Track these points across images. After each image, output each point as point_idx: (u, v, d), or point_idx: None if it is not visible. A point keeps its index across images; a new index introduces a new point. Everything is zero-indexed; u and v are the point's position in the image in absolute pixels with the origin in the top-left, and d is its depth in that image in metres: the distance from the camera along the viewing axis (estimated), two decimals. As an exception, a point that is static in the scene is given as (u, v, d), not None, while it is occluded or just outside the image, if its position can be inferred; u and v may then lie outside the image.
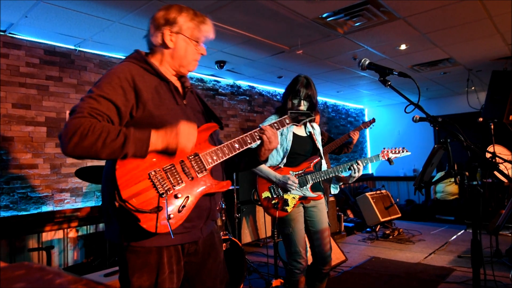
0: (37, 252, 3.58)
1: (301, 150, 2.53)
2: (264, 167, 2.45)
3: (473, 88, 6.60)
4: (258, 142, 1.59)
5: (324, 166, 2.69)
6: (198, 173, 1.38)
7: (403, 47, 4.45)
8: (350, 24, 3.66)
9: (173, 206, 1.29)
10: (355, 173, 2.52)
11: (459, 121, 7.44)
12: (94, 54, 4.19)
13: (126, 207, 1.20)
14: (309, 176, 2.48)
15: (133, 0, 2.96)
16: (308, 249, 2.71)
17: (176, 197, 1.30)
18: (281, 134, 2.47)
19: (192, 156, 1.38)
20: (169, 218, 1.26)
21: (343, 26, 3.71)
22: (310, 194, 2.47)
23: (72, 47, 3.99)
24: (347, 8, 3.29)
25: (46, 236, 3.70)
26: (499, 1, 3.23)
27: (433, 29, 3.88)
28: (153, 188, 1.26)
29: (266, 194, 2.47)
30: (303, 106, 2.48)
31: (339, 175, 2.57)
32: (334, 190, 2.84)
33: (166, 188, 1.28)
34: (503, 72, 4.96)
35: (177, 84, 1.51)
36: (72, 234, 3.89)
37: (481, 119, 4.65)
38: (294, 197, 2.44)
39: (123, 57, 4.37)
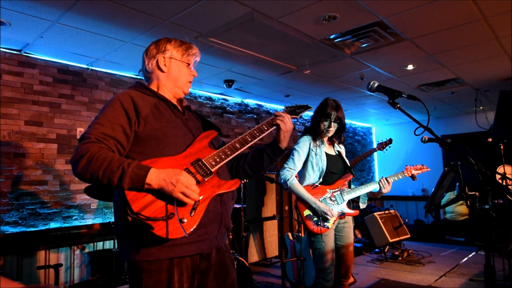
0: (44, 270, 3.57)
1: (335, 169, 2.68)
2: (303, 191, 2.56)
3: (481, 107, 6.58)
4: (272, 129, 1.65)
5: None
6: (204, 177, 1.41)
7: (410, 67, 4.48)
8: (358, 45, 3.71)
9: (184, 211, 1.33)
10: (384, 188, 2.68)
11: (468, 140, 7.38)
12: (105, 73, 4.28)
13: (139, 219, 1.25)
14: (345, 193, 2.64)
15: (145, 22, 3.05)
16: None
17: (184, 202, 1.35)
18: (316, 154, 2.62)
19: (195, 162, 1.43)
20: (181, 221, 1.30)
21: (351, 47, 3.76)
22: (347, 210, 2.63)
23: (85, 66, 4.09)
24: (354, 30, 3.34)
25: (54, 253, 3.70)
26: (506, 22, 3.26)
27: (440, 50, 3.91)
28: (160, 197, 1.32)
29: (307, 212, 2.58)
30: (333, 128, 2.64)
31: (372, 191, 2.74)
32: (363, 204, 2.92)
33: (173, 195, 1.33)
34: (511, 92, 4.95)
35: (176, 103, 1.62)
36: (79, 251, 3.89)
37: (490, 140, 4.62)
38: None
39: (134, 76, 4.48)
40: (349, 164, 2.78)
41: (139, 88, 1.55)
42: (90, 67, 4.13)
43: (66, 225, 3.82)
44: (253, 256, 5.45)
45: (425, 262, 5.28)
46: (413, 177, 2.87)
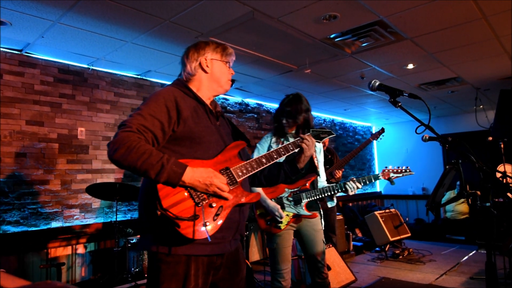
0: (46, 269, 3.58)
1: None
2: (259, 189, 2.48)
3: (481, 106, 6.59)
4: (296, 150, 1.78)
5: (322, 184, 2.67)
6: (230, 185, 1.50)
7: (410, 66, 4.48)
8: (358, 44, 3.72)
9: (208, 215, 1.42)
10: (352, 191, 2.47)
11: (468, 139, 7.39)
12: (106, 72, 4.29)
13: (167, 215, 1.33)
14: (304, 194, 2.49)
15: (146, 21, 3.05)
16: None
17: (210, 206, 1.44)
18: None
19: (224, 170, 1.52)
20: (205, 225, 1.38)
21: (351, 46, 3.77)
22: (304, 212, 2.47)
23: (85, 66, 4.10)
24: (354, 29, 3.35)
25: (55, 252, 3.71)
26: (506, 21, 3.26)
27: (440, 49, 3.91)
28: (190, 198, 1.41)
29: (260, 210, 2.50)
30: (289, 123, 2.59)
31: (335, 193, 2.57)
32: (331, 203, 2.84)
33: (201, 198, 1.42)
34: (511, 91, 4.95)
35: (211, 107, 1.70)
36: (80, 250, 3.90)
37: (490, 138, 4.62)
38: (288, 215, 2.46)
39: (135, 76, 4.49)
40: (318, 164, 2.63)
41: (181, 87, 1.61)
42: (91, 67, 4.14)
43: (67, 224, 3.83)
44: (254, 255, 5.46)
45: (425, 260, 5.30)
46: (390, 180, 2.57)
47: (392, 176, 2.57)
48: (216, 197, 1.45)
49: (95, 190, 3.49)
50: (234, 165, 1.55)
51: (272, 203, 2.44)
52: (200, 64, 1.65)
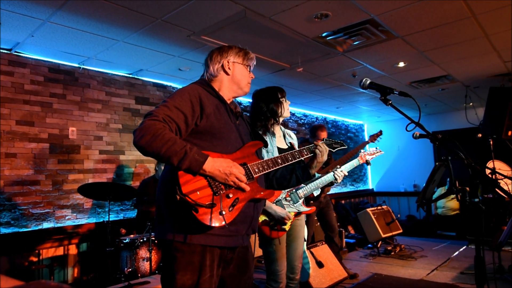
0: (37, 270, 3.56)
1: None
2: None
3: (471, 104, 6.67)
4: (309, 155, 1.88)
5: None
6: (247, 180, 1.55)
7: (401, 64, 4.52)
8: (349, 42, 3.74)
9: (225, 204, 1.47)
10: (339, 179, 2.59)
11: (458, 136, 7.48)
12: (97, 72, 4.26)
13: (186, 200, 1.39)
14: (300, 191, 2.51)
15: (137, 20, 3.04)
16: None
17: (227, 196, 1.50)
18: (267, 152, 2.39)
19: (241, 165, 1.58)
20: (221, 213, 1.44)
21: (343, 44, 3.79)
22: (303, 208, 2.50)
23: (76, 65, 4.06)
24: (346, 28, 3.37)
25: (47, 253, 3.68)
26: (495, 20, 3.31)
27: (430, 47, 3.96)
28: (209, 187, 1.47)
29: (262, 217, 2.40)
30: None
31: (326, 183, 2.63)
32: (316, 192, 2.87)
33: (219, 188, 1.48)
34: (500, 88, 5.03)
35: (231, 107, 1.77)
36: (72, 250, 3.87)
37: (480, 135, 4.69)
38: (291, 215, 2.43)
39: (126, 75, 4.46)
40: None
41: (205, 85, 1.69)
42: (82, 66, 4.10)
43: (59, 225, 3.80)
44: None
45: (417, 256, 5.36)
46: (367, 162, 3.00)
47: (368, 158, 3.01)
48: (233, 188, 1.51)
49: (87, 190, 3.46)
50: (251, 162, 1.63)
51: (279, 209, 2.38)
52: (222, 66, 1.74)
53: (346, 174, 2.62)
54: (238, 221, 1.53)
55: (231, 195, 1.50)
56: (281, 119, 2.52)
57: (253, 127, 1.88)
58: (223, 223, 1.43)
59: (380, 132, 4.35)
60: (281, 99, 2.46)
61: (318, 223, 4.76)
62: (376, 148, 3.10)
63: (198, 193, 1.43)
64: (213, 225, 1.41)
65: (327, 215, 4.34)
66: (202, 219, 1.40)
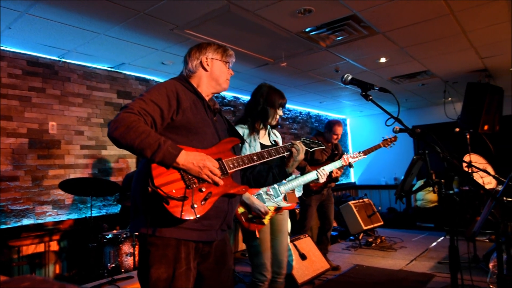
0: (17, 266, 3.49)
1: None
2: None
3: (449, 99, 6.85)
4: (286, 154, 1.90)
5: (293, 177, 2.67)
6: (221, 175, 1.56)
7: (383, 60, 4.60)
8: (332, 38, 3.78)
9: (197, 198, 1.48)
10: (322, 179, 2.66)
11: (437, 130, 7.67)
12: (78, 65, 4.17)
13: (158, 192, 1.39)
14: (281, 187, 2.54)
15: (119, 13, 2.99)
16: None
17: (200, 190, 1.50)
18: (250, 146, 2.42)
19: (216, 160, 1.58)
20: (193, 206, 1.44)
21: (326, 40, 3.83)
22: (284, 204, 2.51)
23: (56, 58, 3.97)
24: (329, 23, 3.40)
25: (27, 250, 3.61)
26: (473, 18, 3.41)
27: (411, 43, 4.04)
28: (182, 180, 1.47)
29: (241, 209, 2.41)
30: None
31: (309, 181, 2.69)
32: (298, 192, 2.91)
33: (192, 182, 1.49)
34: (477, 84, 5.18)
35: (210, 103, 1.78)
36: (54, 247, 3.82)
37: (457, 129, 4.83)
38: (269, 209, 2.44)
39: (108, 68, 4.39)
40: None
41: (183, 81, 1.69)
42: (62, 59, 4.01)
43: (39, 221, 3.73)
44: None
45: (397, 247, 5.51)
46: (350, 165, 3.11)
47: (351, 161, 3.14)
48: (206, 183, 1.51)
49: (68, 185, 3.41)
50: (226, 158, 1.64)
51: (257, 201, 2.39)
52: (201, 62, 1.75)
53: (328, 173, 2.72)
54: (211, 215, 1.54)
55: (204, 189, 1.50)
56: (267, 125, 2.55)
57: (239, 121, 1.87)
58: (195, 216, 1.43)
59: (395, 138, 4.30)
60: (277, 108, 2.51)
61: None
62: (359, 152, 3.25)
63: (170, 186, 1.43)
64: (184, 218, 1.41)
65: (327, 208, 4.43)
66: (173, 212, 1.40)
